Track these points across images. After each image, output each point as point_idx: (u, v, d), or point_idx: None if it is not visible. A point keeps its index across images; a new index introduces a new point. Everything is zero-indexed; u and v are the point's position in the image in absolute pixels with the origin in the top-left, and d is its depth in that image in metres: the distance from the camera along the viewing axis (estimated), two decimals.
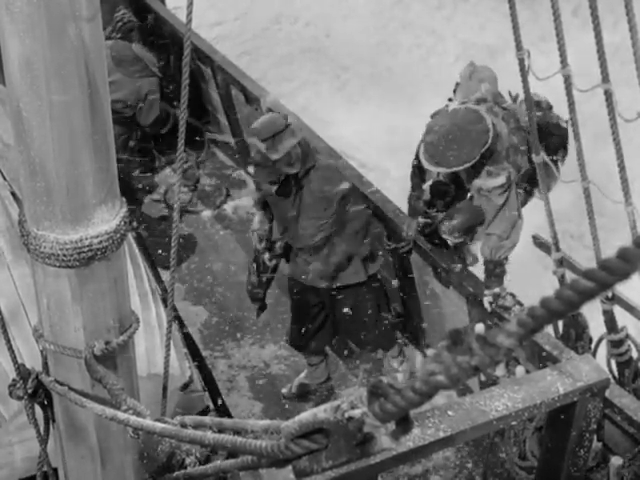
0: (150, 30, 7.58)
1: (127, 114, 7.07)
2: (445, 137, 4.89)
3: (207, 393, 4.27)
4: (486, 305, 5.07)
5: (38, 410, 2.57)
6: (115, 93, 6.77)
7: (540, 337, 4.60)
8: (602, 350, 4.84)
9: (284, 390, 5.97)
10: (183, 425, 2.15)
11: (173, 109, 7.32)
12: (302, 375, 5.96)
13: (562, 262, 4.79)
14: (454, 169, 4.91)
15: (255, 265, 5.59)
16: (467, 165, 4.87)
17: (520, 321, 1.14)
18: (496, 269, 5.04)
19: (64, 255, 2.17)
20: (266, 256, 5.46)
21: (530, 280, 6.42)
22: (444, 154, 4.85)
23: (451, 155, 4.84)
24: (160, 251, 6.90)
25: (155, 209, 7.58)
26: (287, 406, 5.91)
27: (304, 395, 5.96)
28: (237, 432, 1.98)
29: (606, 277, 1.07)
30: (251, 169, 5.48)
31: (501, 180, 4.96)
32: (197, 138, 8.15)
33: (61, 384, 2.40)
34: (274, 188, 5.20)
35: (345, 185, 5.22)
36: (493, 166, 4.94)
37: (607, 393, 4.14)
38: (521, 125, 5.05)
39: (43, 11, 1.94)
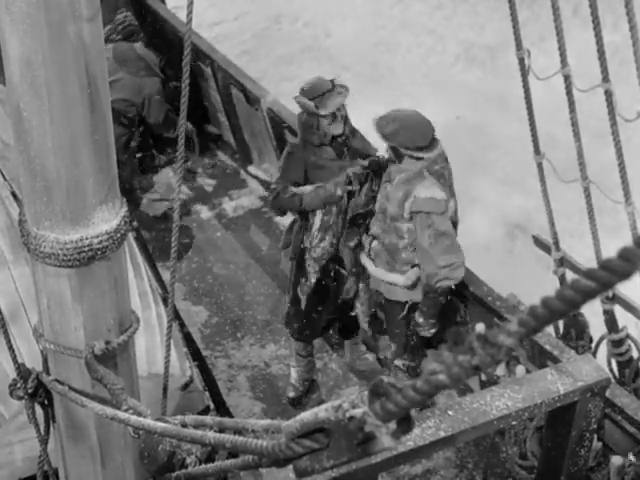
0: (153, 30, 7.58)
1: (130, 114, 7.06)
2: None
3: (207, 393, 4.27)
4: None
5: (38, 410, 2.57)
6: (119, 92, 6.77)
7: (541, 337, 4.60)
8: (603, 350, 4.84)
9: (291, 394, 5.93)
10: (184, 425, 2.15)
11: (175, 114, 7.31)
12: (294, 376, 5.92)
13: (562, 262, 4.79)
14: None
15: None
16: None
17: (521, 320, 1.14)
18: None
19: (64, 255, 2.17)
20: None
21: (530, 280, 6.43)
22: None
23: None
24: (160, 251, 6.90)
25: (153, 208, 7.58)
26: (288, 405, 5.90)
27: (309, 391, 5.96)
28: (238, 432, 1.98)
29: (607, 277, 1.07)
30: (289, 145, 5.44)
31: (444, 195, 4.79)
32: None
33: (61, 384, 2.40)
34: (324, 152, 5.24)
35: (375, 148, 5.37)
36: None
37: (607, 393, 4.14)
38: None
39: (43, 11, 1.94)
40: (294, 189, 5.22)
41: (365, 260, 5.16)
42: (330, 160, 5.27)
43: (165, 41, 8.13)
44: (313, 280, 5.43)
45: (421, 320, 5.14)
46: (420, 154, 4.78)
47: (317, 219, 5.25)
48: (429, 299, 5.00)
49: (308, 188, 5.19)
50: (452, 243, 4.82)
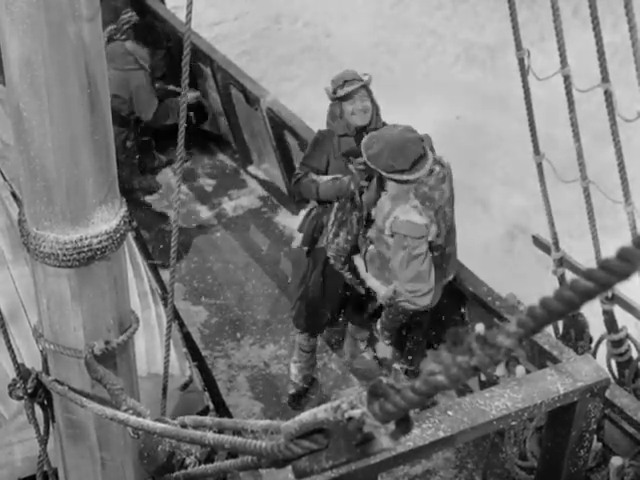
0: (144, 27, 7.54)
1: (123, 112, 7.06)
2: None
3: (207, 393, 4.27)
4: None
5: (38, 410, 2.57)
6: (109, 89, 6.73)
7: (540, 337, 4.60)
8: (602, 350, 4.84)
9: (291, 391, 5.93)
10: (183, 425, 2.15)
11: (172, 98, 7.30)
12: (294, 372, 5.92)
13: (562, 262, 4.79)
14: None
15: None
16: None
17: (520, 321, 1.14)
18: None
19: (64, 255, 2.17)
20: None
21: (530, 280, 6.42)
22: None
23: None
24: (159, 251, 6.90)
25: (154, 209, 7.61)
26: (287, 406, 5.90)
27: (311, 387, 5.96)
28: (237, 432, 1.98)
29: (606, 277, 1.07)
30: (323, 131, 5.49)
31: (423, 220, 4.75)
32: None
33: (61, 384, 2.40)
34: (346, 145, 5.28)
35: None
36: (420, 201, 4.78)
37: (607, 393, 4.14)
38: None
39: (43, 11, 1.94)
40: (314, 176, 5.26)
41: (358, 262, 5.17)
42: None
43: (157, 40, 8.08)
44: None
45: (379, 327, 5.24)
46: (403, 177, 4.71)
47: (332, 215, 5.25)
48: (390, 312, 5.07)
49: (326, 178, 5.23)
50: (422, 270, 4.82)
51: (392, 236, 4.84)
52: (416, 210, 4.75)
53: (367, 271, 5.13)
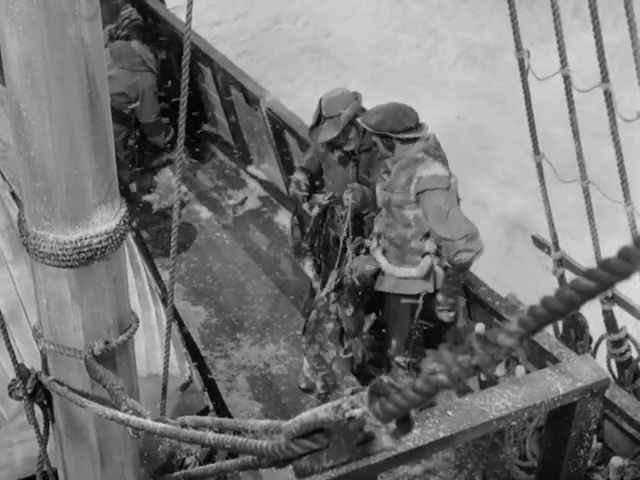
0: (150, 28, 7.57)
1: (126, 111, 7.06)
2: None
3: (207, 393, 4.27)
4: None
5: (38, 410, 2.57)
6: (113, 87, 6.76)
7: (540, 337, 4.60)
8: (602, 350, 4.84)
9: (302, 385, 5.96)
10: (183, 425, 2.15)
11: (169, 120, 7.35)
12: (307, 365, 5.94)
13: (562, 262, 4.79)
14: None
15: (296, 218, 5.79)
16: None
17: (521, 321, 1.14)
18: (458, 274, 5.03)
19: (64, 255, 2.17)
20: (305, 205, 5.61)
21: (530, 280, 6.42)
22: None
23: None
24: (159, 250, 6.90)
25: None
26: (287, 406, 5.91)
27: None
28: (237, 432, 1.98)
29: (606, 277, 1.07)
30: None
31: (446, 171, 4.92)
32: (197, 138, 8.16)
33: (61, 384, 2.40)
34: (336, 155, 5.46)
35: None
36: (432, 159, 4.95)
37: (607, 393, 4.14)
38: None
39: (43, 11, 1.94)
40: (305, 206, 5.57)
41: (379, 257, 5.18)
42: (337, 164, 5.47)
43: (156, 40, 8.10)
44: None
45: (441, 298, 5.13)
46: (411, 135, 4.92)
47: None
48: (449, 275, 5.02)
49: (307, 265, 5.73)
50: (461, 216, 4.90)
51: (417, 202, 4.89)
52: (437, 163, 4.90)
53: (390, 263, 5.15)
